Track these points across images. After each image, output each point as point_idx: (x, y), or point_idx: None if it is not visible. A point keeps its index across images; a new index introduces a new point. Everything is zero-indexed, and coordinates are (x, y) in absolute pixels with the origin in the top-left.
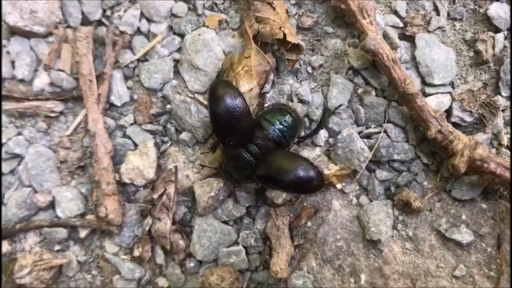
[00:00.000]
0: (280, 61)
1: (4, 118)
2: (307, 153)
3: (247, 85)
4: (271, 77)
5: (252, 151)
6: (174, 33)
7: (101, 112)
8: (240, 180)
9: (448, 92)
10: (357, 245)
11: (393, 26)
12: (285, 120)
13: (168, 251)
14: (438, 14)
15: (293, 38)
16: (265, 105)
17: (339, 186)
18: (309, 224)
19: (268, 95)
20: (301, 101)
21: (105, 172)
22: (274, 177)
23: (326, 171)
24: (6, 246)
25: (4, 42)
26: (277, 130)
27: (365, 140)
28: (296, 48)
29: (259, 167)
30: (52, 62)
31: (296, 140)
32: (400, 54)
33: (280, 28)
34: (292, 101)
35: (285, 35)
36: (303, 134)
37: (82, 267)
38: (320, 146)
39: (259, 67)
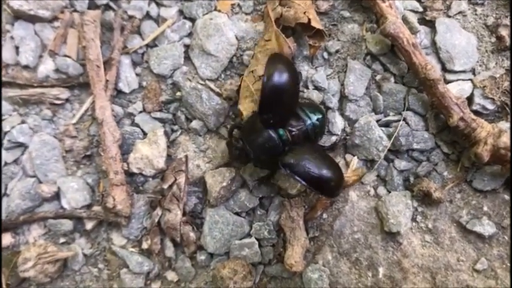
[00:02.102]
0: (297, 46)
1: (7, 106)
2: (322, 141)
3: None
4: None
5: (282, 136)
6: (185, 18)
7: (109, 99)
8: (254, 162)
9: (469, 79)
10: (374, 238)
11: (412, 11)
12: (320, 118)
13: (178, 244)
14: None
15: (317, 24)
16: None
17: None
18: (324, 215)
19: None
20: (316, 88)
21: (113, 161)
22: (301, 169)
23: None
24: (9, 239)
25: (8, 26)
26: (312, 124)
27: (383, 129)
28: (319, 34)
29: (287, 155)
30: (58, 47)
31: (319, 139)
32: (419, 40)
33: (304, 13)
34: (307, 88)
35: (309, 19)
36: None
37: (88, 261)
38: (337, 134)
39: (280, 51)
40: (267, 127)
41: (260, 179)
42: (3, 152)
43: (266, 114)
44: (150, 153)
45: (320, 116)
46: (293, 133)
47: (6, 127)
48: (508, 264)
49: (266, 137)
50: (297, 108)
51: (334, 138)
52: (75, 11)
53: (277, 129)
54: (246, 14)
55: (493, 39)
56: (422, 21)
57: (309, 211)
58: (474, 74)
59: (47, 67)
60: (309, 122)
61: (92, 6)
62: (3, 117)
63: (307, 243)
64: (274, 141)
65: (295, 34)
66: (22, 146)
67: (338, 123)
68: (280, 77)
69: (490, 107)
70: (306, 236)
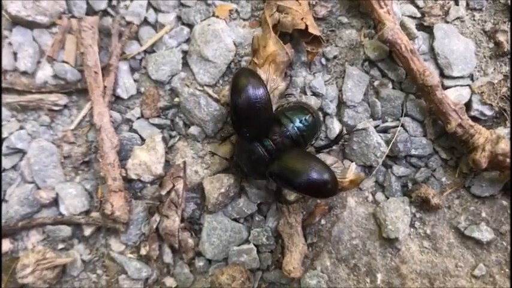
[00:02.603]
0: (295, 52)
1: (6, 111)
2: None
3: (263, 75)
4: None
5: (267, 146)
6: (183, 24)
7: (107, 105)
8: (250, 176)
9: (467, 85)
10: (373, 244)
11: (410, 16)
12: (305, 119)
13: (176, 250)
14: (457, 3)
15: (314, 30)
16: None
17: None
18: (322, 221)
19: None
20: (314, 94)
21: (111, 167)
22: (286, 176)
23: (341, 179)
24: (8, 245)
25: (6, 33)
26: (296, 128)
27: (381, 135)
28: (316, 40)
29: (272, 164)
30: (56, 53)
31: (313, 141)
32: (417, 45)
33: (302, 19)
34: (305, 93)
35: (306, 26)
36: (319, 141)
37: (86, 267)
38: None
39: (277, 57)
40: (251, 140)
41: (277, 198)
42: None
43: (242, 131)
44: (148, 159)
45: (306, 117)
46: (276, 141)
47: (4, 133)
48: (507, 270)
49: (250, 150)
50: (279, 114)
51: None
52: (73, 16)
53: (262, 140)
54: (244, 19)
55: (491, 45)
56: (421, 27)
57: (307, 217)
58: (472, 79)
59: (45, 73)
60: (290, 126)
61: (90, 12)
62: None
63: (305, 249)
64: (258, 153)
65: (293, 40)
66: (20, 152)
67: (336, 129)
68: (245, 92)
69: (488, 112)
70: (304, 242)
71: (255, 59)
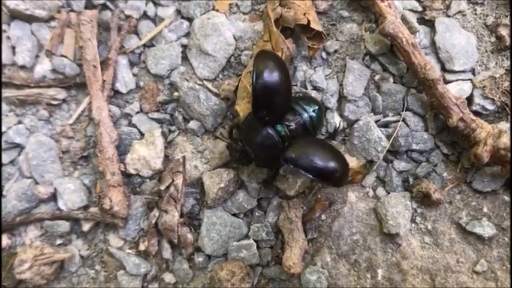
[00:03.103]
0: (296, 47)
1: (4, 106)
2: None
3: None
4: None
5: (280, 132)
6: (182, 17)
7: (106, 100)
8: (256, 161)
9: (469, 79)
10: (373, 239)
11: (412, 10)
12: (316, 109)
13: (175, 245)
14: None
15: (317, 25)
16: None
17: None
18: (323, 217)
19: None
20: (315, 88)
21: (110, 162)
22: (305, 161)
23: None
24: (5, 240)
25: (4, 26)
26: (308, 117)
27: (382, 129)
28: (318, 36)
29: (288, 149)
30: (54, 47)
31: (318, 133)
32: (419, 39)
33: (304, 14)
34: (306, 88)
35: (309, 21)
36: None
37: (85, 262)
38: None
39: (278, 52)
40: (264, 125)
41: (265, 181)
42: None
43: (261, 113)
44: (147, 154)
45: (316, 108)
46: (291, 128)
47: (2, 128)
48: (509, 266)
49: (264, 135)
50: (292, 103)
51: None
52: (72, 10)
53: (275, 126)
54: (244, 13)
55: (493, 39)
56: (422, 20)
57: (308, 212)
58: (474, 74)
59: (43, 67)
60: (305, 115)
61: (89, 5)
62: None
63: (305, 245)
64: (272, 138)
65: (294, 34)
66: (18, 146)
67: (336, 123)
68: (270, 74)
69: (490, 107)
70: (304, 237)
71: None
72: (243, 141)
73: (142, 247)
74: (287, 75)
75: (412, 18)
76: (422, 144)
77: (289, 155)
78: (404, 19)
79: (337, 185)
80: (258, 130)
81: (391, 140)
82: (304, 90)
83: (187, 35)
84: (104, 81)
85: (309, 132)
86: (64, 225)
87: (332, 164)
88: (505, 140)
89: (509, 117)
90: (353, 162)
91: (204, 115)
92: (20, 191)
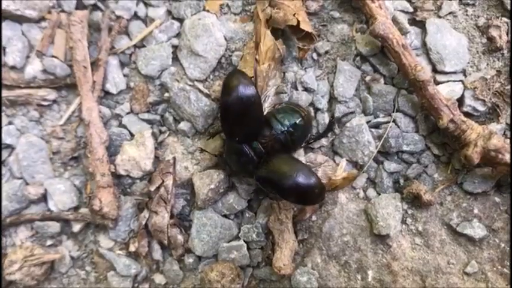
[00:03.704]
0: (286, 48)
1: None
2: (311, 143)
3: (263, 72)
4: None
5: (255, 149)
6: (173, 18)
7: (96, 100)
8: (239, 175)
9: (460, 80)
10: (364, 240)
11: (403, 11)
12: (295, 123)
13: (165, 246)
14: None
15: (306, 26)
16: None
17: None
18: (313, 218)
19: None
20: (306, 89)
21: (100, 163)
22: (274, 181)
23: (333, 176)
24: None
25: None
26: (285, 132)
27: (373, 130)
28: (308, 36)
29: (260, 168)
30: (45, 48)
31: (304, 144)
32: (410, 40)
33: (294, 15)
34: (296, 89)
35: (298, 22)
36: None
37: (75, 263)
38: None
39: (269, 53)
40: (240, 142)
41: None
42: None
43: (230, 134)
44: (137, 155)
45: (297, 120)
46: (265, 144)
47: (2, 126)
48: (499, 268)
49: (238, 152)
50: (269, 116)
51: (322, 141)
52: (63, 11)
53: (251, 142)
54: (235, 14)
55: (484, 40)
56: (413, 21)
57: (298, 213)
58: (465, 75)
59: (34, 68)
60: (280, 130)
61: (80, 6)
62: None
63: (295, 246)
64: (246, 155)
65: (284, 35)
66: (9, 147)
67: (326, 119)
68: (234, 96)
69: (481, 108)
70: (294, 238)
71: (256, 56)
72: (225, 157)
73: (132, 248)
74: (255, 91)
75: (403, 19)
76: (413, 146)
77: (260, 174)
78: (395, 20)
79: (308, 204)
80: (234, 147)
81: (382, 141)
82: (289, 95)
83: (177, 35)
84: (94, 82)
85: (287, 147)
86: (54, 226)
87: (301, 183)
88: (495, 141)
89: (500, 118)
90: (340, 168)
91: (195, 116)
92: (11, 192)
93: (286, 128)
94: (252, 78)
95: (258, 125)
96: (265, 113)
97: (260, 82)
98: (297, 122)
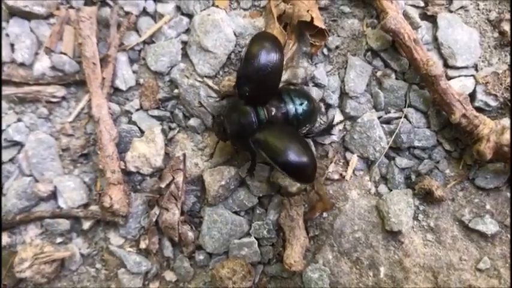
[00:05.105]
0: (297, 44)
1: (3, 104)
2: (321, 139)
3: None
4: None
5: (259, 114)
6: (182, 14)
7: (105, 97)
8: (230, 140)
9: (472, 75)
10: (375, 237)
11: (413, 6)
12: (305, 104)
13: (176, 243)
14: None
15: (320, 23)
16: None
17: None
18: (324, 214)
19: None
20: (316, 85)
21: (110, 160)
22: (267, 149)
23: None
24: (5, 239)
25: (3, 24)
26: (294, 109)
27: (384, 126)
28: (321, 33)
29: (260, 132)
30: (53, 44)
31: (305, 129)
32: (421, 35)
33: (307, 11)
34: (307, 85)
35: (312, 18)
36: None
37: (85, 261)
38: (334, 134)
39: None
40: (246, 103)
41: (249, 170)
42: None
43: (243, 89)
44: (147, 151)
45: (305, 103)
46: (272, 113)
47: (2, 125)
48: None
49: (242, 111)
50: (282, 91)
51: (333, 137)
52: (71, 7)
53: (256, 107)
54: (245, 9)
55: (496, 35)
56: (424, 16)
57: (308, 211)
58: (476, 69)
59: (43, 64)
60: (290, 105)
61: (88, 2)
62: None
63: (306, 243)
64: (249, 117)
65: (296, 31)
66: (18, 144)
67: (332, 117)
68: (262, 52)
69: (493, 103)
70: (305, 235)
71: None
72: (224, 115)
73: (143, 245)
74: (280, 60)
75: (414, 13)
76: (425, 141)
77: (257, 137)
78: (406, 14)
79: (300, 181)
80: (238, 107)
81: (394, 136)
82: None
83: (187, 31)
84: (103, 78)
85: (290, 124)
86: (64, 224)
87: (295, 158)
88: (508, 136)
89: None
90: (352, 164)
91: (205, 112)
92: (20, 189)
93: (295, 106)
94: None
95: (271, 92)
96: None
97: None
98: (307, 104)
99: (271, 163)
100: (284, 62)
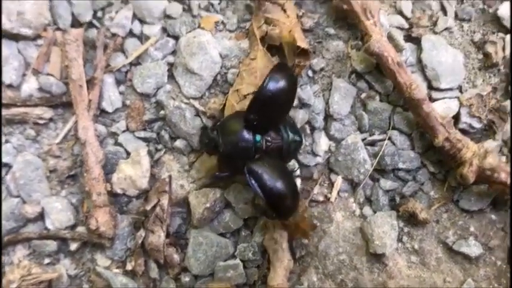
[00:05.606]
0: None
1: None
2: (307, 161)
3: (250, 87)
4: None
5: (257, 143)
6: (168, 36)
7: (92, 119)
8: (220, 155)
9: (456, 97)
10: (360, 259)
11: (398, 27)
12: (298, 142)
13: (162, 265)
14: (445, 14)
15: (303, 43)
16: None
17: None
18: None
19: None
20: (303, 105)
21: (96, 182)
22: (261, 178)
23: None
24: None
25: None
26: (288, 143)
27: (369, 148)
28: (304, 53)
29: (255, 161)
30: (41, 66)
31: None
32: (405, 57)
33: (290, 31)
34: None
35: (294, 38)
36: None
37: (73, 282)
38: (319, 155)
39: (265, 70)
40: (247, 128)
41: (220, 178)
42: None
43: (253, 115)
44: (133, 173)
45: (297, 139)
46: (268, 144)
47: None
48: (496, 285)
49: (243, 136)
50: (281, 123)
51: (318, 158)
52: (58, 29)
53: (255, 134)
54: (230, 31)
55: (480, 56)
56: (408, 38)
57: (290, 233)
58: (461, 91)
59: (30, 86)
60: (286, 139)
61: (75, 23)
62: None
63: (290, 265)
64: (249, 143)
65: (280, 52)
66: (6, 166)
67: (322, 144)
68: (284, 84)
69: (477, 125)
70: (289, 257)
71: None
72: (219, 131)
73: (129, 267)
74: (294, 94)
75: (399, 35)
76: (409, 163)
77: (254, 168)
78: (390, 37)
79: (280, 216)
80: (239, 129)
81: (378, 158)
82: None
83: (173, 53)
84: (90, 100)
85: (281, 157)
86: (52, 245)
87: (286, 196)
88: (490, 160)
89: (496, 135)
90: (339, 187)
91: (191, 134)
92: (8, 210)
93: (290, 140)
94: None
95: (276, 123)
96: None
97: None
98: (298, 140)
99: (258, 194)
100: None
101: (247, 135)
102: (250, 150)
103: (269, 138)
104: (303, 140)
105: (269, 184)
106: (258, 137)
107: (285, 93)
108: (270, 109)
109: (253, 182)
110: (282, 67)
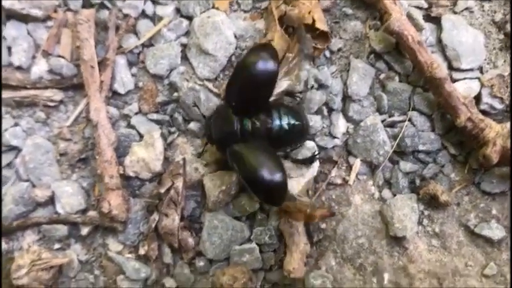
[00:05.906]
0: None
1: None
2: (324, 143)
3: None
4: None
5: (244, 125)
6: (182, 16)
7: (104, 101)
8: (216, 143)
9: (477, 77)
10: (379, 242)
11: (417, 7)
12: (293, 124)
13: (176, 249)
14: None
15: (322, 25)
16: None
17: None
18: (327, 220)
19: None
20: (320, 86)
21: (108, 165)
22: (239, 164)
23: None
24: (3, 245)
25: None
26: (279, 126)
27: (388, 129)
28: (323, 35)
29: (238, 144)
30: (51, 47)
31: (288, 149)
32: (425, 37)
33: (309, 12)
34: (308, 87)
35: (314, 20)
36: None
37: (84, 267)
38: (337, 137)
39: (282, 52)
40: (234, 112)
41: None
42: None
43: (230, 98)
44: (146, 156)
45: (293, 123)
46: (256, 126)
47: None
48: None
49: (226, 120)
50: (273, 105)
51: (336, 141)
52: (69, 10)
53: (243, 117)
54: (245, 11)
55: (501, 36)
56: (428, 18)
57: (307, 217)
58: (482, 72)
59: (40, 68)
60: (277, 122)
61: (86, 4)
62: None
63: (307, 249)
64: (232, 126)
65: (298, 33)
66: (15, 149)
67: (340, 125)
68: (257, 64)
69: (499, 106)
70: (306, 241)
71: None
72: (211, 119)
73: (142, 251)
74: (273, 75)
75: (418, 15)
76: (429, 145)
77: (234, 149)
78: (409, 16)
79: (267, 202)
80: (224, 114)
81: (397, 140)
82: (305, 97)
83: (186, 34)
84: (101, 81)
85: (272, 141)
86: (62, 229)
87: (267, 178)
88: None
89: None
90: (356, 168)
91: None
92: (17, 195)
93: (281, 124)
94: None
95: (260, 105)
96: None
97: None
98: (295, 124)
99: (242, 180)
100: (282, 75)
101: (231, 118)
102: (235, 133)
103: (257, 122)
104: (304, 124)
105: (248, 167)
106: (245, 120)
107: (261, 72)
108: (247, 89)
109: (234, 164)
110: (259, 46)
